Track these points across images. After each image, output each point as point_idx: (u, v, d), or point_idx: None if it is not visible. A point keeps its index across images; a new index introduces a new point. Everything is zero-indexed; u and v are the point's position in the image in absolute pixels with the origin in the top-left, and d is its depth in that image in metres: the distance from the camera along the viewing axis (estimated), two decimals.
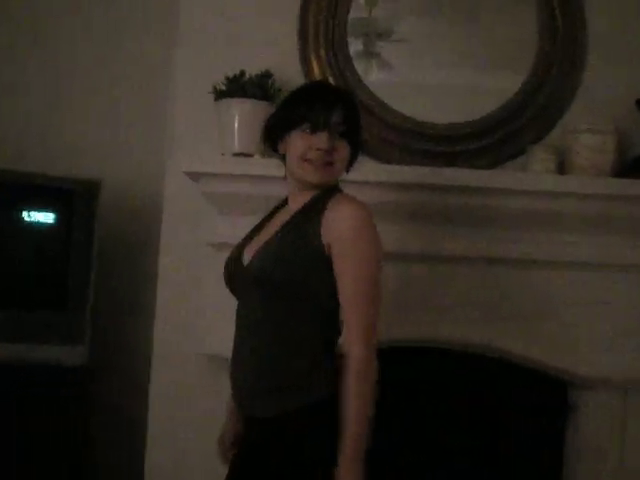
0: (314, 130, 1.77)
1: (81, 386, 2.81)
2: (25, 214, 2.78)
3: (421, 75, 2.80)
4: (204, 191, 2.57)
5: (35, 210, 2.79)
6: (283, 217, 1.86)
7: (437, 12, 2.85)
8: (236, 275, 1.85)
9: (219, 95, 2.59)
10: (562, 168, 2.64)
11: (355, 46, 2.82)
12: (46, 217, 2.81)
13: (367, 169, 2.40)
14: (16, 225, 2.80)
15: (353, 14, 2.81)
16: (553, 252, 2.59)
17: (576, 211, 2.54)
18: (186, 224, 2.70)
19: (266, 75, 2.61)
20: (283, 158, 1.89)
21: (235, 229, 2.49)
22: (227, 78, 2.58)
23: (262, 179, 2.42)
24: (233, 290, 1.89)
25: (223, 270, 1.91)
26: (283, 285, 1.73)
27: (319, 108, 1.78)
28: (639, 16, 2.80)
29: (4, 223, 2.79)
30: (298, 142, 1.79)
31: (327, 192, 1.81)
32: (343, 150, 1.80)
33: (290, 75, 2.68)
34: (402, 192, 2.49)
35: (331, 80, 2.71)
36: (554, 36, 2.74)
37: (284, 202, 1.96)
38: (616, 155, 2.62)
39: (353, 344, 1.71)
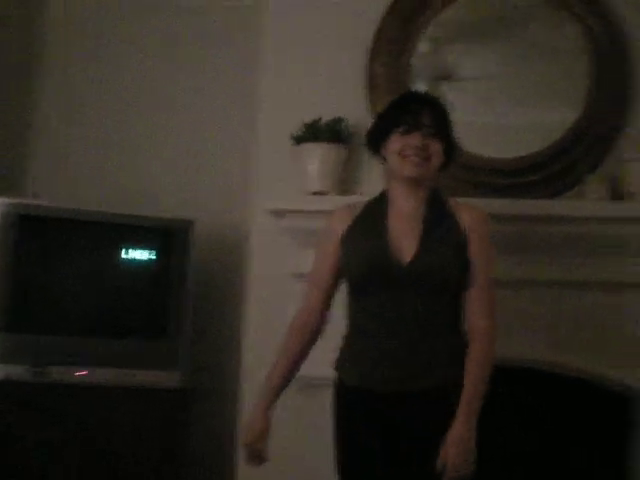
0: (408, 131, 2.04)
1: (180, 407, 3.04)
2: (128, 251, 3.08)
3: (484, 114, 3.03)
4: (287, 226, 2.84)
5: (137, 248, 3.08)
6: (402, 215, 2.09)
7: (494, 53, 3.08)
8: (389, 271, 2.02)
9: (298, 140, 2.88)
10: (616, 196, 2.82)
11: (420, 88, 3.02)
12: (146, 254, 3.10)
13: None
14: (120, 263, 3.11)
15: (418, 58, 3.06)
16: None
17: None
18: (270, 257, 2.97)
19: (339, 120, 2.89)
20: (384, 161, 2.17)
21: None
22: (305, 124, 2.87)
23: None
24: (371, 284, 2.05)
25: (361, 266, 2.06)
26: (450, 278, 2.02)
27: (410, 111, 2.06)
28: None
29: (111, 260, 3.10)
30: (395, 142, 2.06)
31: (438, 192, 2.13)
32: (435, 147, 2.05)
33: (359, 119, 2.93)
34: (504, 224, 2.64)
35: None
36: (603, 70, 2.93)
37: (379, 202, 2.16)
38: None
39: (484, 318, 2.02)
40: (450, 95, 3.01)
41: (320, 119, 2.87)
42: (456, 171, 2.87)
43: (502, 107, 3.03)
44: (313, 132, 2.86)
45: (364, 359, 2.05)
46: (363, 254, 2.06)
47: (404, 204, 2.10)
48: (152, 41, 3.56)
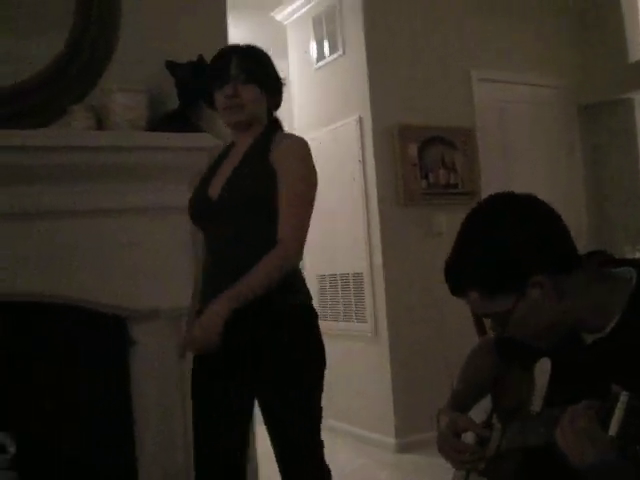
0: (221, 85, 2.21)
1: None
2: None
3: None
4: None
5: None
6: (236, 155, 2.26)
7: None
8: (201, 208, 2.25)
9: None
10: (102, 126, 2.90)
11: None
12: None
13: None
14: None
15: None
16: (96, 202, 2.87)
17: (114, 163, 2.84)
18: None
19: None
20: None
21: None
22: None
23: None
24: (199, 222, 2.29)
25: (189, 206, 2.30)
26: (255, 201, 2.12)
27: (219, 66, 2.24)
28: None
29: None
30: (217, 98, 2.25)
31: (271, 130, 2.26)
32: (249, 93, 2.21)
33: None
34: None
35: None
36: (88, 7, 2.98)
37: (231, 146, 2.36)
38: (149, 112, 2.96)
39: (285, 230, 2.10)
40: None
41: None
42: None
43: None
44: None
45: (202, 296, 2.22)
46: (192, 195, 2.32)
47: (240, 147, 2.28)
48: None
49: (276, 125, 2.33)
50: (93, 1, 2.99)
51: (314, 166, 2.22)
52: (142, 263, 2.94)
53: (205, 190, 2.26)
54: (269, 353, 2.09)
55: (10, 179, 2.70)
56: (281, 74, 2.37)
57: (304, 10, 4.91)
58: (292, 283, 2.15)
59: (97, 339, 3.00)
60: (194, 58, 3.04)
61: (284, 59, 5.09)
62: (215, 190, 2.22)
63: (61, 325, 2.93)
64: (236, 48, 2.31)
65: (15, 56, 2.81)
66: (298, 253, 2.13)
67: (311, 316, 2.20)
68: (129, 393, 3.04)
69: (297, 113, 5.07)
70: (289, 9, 5.00)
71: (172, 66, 3.03)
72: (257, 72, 2.25)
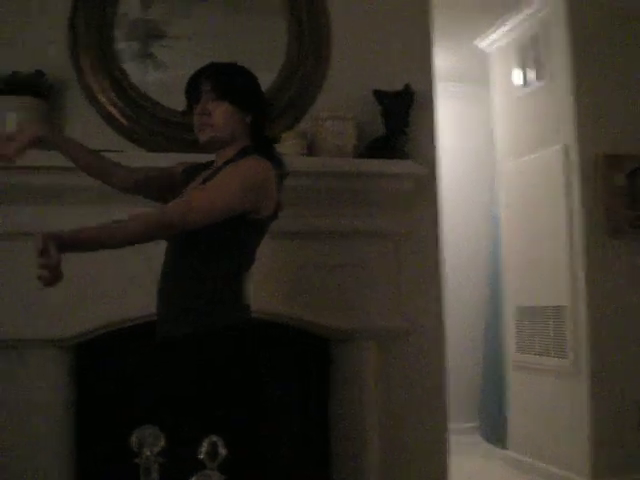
0: (195, 105, 2.14)
1: None
2: None
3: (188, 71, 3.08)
4: None
5: None
6: (199, 178, 2.20)
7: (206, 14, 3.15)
8: None
9: None
10: (312, 152, 3.03)
11: (132, 48, 3.06)
12: None
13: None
14: None
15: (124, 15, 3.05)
16: (308, 224, 2.98)
17: (323, 187, 2.95)
18: None
19: (38, 74, 2.81)
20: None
21: (12, 218, 2.68)
22: (1, 77, 2.76)
23: (35, 170, 2.62)
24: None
25: None
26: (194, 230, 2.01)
27: (189, 87, 2.17)
28: (375, 19, 3.26)
29: None
30: (194, 119, 2.16)
31: (245, 152, 2.12)
32: (218, 110, 2.12)
33: (62, 74, 2.91)
34: None
35: (101, 79, 2.96)
36: (300, 38, 3.13)
37: (208, 163, 2.27)
38: (357, 138, 3.05)
39: (173, 207, 2.01)
40: (162, 53, 3.09)
41: (16, 73, 2.77)
42: (153, 125, 2.97)
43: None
44: (10, 85, 2.76)
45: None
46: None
47: (216, 164, 2.20)
48: None
49: (258, 145, 2.17)
50: (305, 33, 3.14)
51: (251, 188, 2.04)
52: (348, 285, 3.03)
53: None
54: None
55: None
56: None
57: (508, 38, 4.87)
58: (224, 303, 2.10)
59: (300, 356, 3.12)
60: (400, 87, 3.10)
61: (486, 87, 5.08)
62: None
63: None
64: (209, 66, 2.20)
65: None
66: (169, 227, 1.98)
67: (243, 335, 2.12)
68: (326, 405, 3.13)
69: (499, 141, 5.01)
70: (492, 37, 4.97)
71: (379, 95, 3.11)
72: (228, 89, 2.13)
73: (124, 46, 3.07)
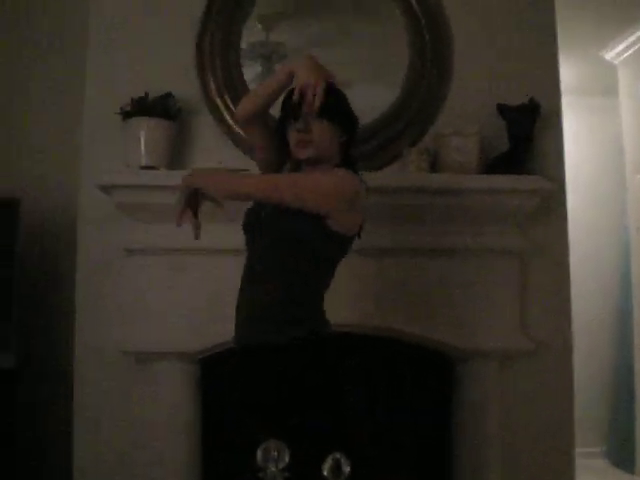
0: (295, 121, 2.15)
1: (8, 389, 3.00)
2: None
3: None
4: (116, 202, 2.82)
5: None
6: None
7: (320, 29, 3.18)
8: (254, 220, 2.21)
9: (126, 115, 2.86)
10: (435, 168, 2.98)
11: (255, 68, 3.12)
12: None
13: None
14: None
15: (252, 38, 3.13)
16: (429, 241, 2.95)
17: (446, 204, 2.90)
18: (101, 234, 2.94)
19: (167, 96, 2.89)
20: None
21: (147, 235, 2.77)
22: (133, 100, 2.86)
23: (167, 189, 2.66)
24: (246, 232, 2.24)
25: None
26: (293, 232, 2.09)
27: (292, 101, 2.14)
28: (498, 32, 3.19)
29: None
30: (290, 134, 2.18)
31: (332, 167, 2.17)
32: (319, 128, 2.14)
33: (189, 95, 2.98)
34: None
35: (228, 100, 3.01)
36: (423, 52, 3.10)
37: None
38: (480, 154, 2.98)
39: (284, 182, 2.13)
40: None
41: (147, 95, 2.86)
42: None
43: None
44: (141, 107, 2.85)
45: (237, 315, 2.19)
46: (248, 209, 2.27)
47: None
48: None
49: (346, 164, 2.20)
50: (427, 48, 3.10)
51: (342, 193, 2.08)
52: (471, 304, 2.96)
53: (259, 210, 2.21)
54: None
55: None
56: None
57: (636, 48, 4.69)
58: (294, 316, 2.10)
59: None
60: (524, 101, 3.02)
61: (614, 98, 4.91)
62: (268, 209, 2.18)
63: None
64: None
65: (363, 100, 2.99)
66: (286, 198, 2.06)
67: (318, 346, 2.09)
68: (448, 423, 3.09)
69: (627, 150, 4.82)
70: (620, 48, 4.79)
71: (503, 108, 3.03)
72: (329, 107, 2.13)
73: (247, 66, 3.12)
